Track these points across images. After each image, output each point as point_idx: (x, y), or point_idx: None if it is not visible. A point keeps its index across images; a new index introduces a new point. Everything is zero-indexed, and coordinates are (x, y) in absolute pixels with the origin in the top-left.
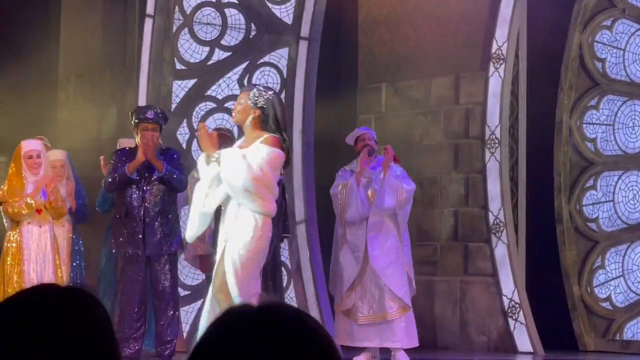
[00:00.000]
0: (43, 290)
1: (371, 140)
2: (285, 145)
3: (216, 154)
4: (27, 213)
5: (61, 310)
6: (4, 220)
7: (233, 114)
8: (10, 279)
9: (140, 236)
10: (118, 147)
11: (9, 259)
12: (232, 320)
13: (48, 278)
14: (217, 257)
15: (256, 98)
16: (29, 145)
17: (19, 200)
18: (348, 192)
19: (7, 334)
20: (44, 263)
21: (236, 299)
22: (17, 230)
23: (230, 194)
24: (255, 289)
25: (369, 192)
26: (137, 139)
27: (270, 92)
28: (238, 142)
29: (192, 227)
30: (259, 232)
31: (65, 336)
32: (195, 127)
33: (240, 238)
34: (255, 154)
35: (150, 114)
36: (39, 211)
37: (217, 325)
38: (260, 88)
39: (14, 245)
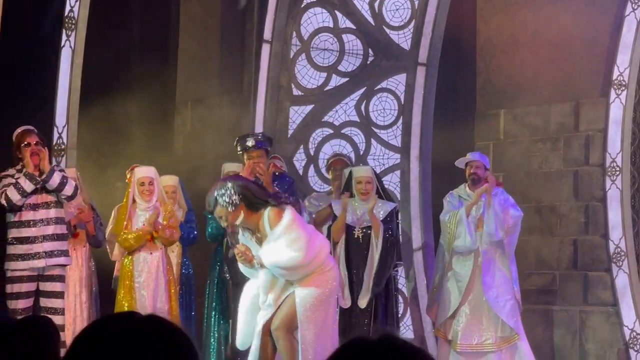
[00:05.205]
0: (122, 318)
1: (479, 168)
2: (282, 201)
3: (256, 263)
4: (132, 246)
5: (140, 339)
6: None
7: (229, 229)
8: (121, 307)
9: None
10: (223, 172)
11: (122, 286)
12: (353, 352)
13: (160, 305)
14: (279, 297)
15: (228, 201)
16: (142, 172)
17: (127, 232)
18: (458, 222)
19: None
20: (156, 290)
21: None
22: (129, 258)
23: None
24: (333, 332)
25: (477, 222)
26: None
27: (228, 184)
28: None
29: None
30: (325, 273)
31: None
32: (312, 154)
33: (308, 282)
34: (278, 246)
35: (250, 142)
36: (149, 238)
37: (339, 356)
38: (219, 191)
39: (126, 272)
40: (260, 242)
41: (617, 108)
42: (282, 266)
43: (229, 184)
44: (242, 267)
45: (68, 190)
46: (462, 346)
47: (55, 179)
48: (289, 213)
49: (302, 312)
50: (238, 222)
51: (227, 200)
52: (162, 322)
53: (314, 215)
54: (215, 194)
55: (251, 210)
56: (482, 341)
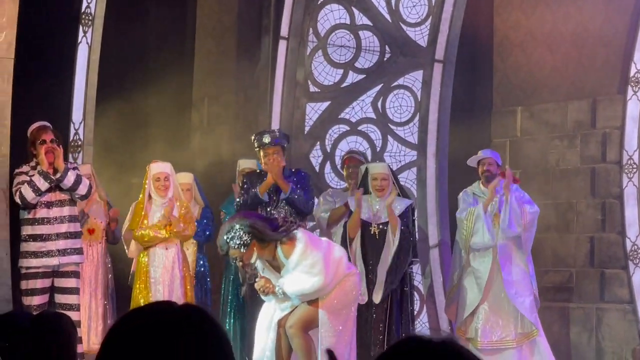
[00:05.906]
0: (159, 308)
1: (491, 165)
2: (292, 228)
3: (278, 292)
4: (151, 240)
5: (175, 327)
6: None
7: (246, 270)
8: (137, 302)
9: None
10: (238, 168)
11: (138, 282)
12: (411, 350)
13: (176, 301)
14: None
15: (239, 242)
16: (157, 167)
17: (144, 228)
18: (475, 219)
19: (122, 347)
20: (171, 286)
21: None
22: (145, 254)
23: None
24: (352, 335)
25: (494, 218)
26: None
27: (235, 225)
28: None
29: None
30: (349, 278)
31: (179, 351)
32: (328, 150)
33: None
34: (298, 275)
35: (266, 139)
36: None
37: (395, 354)
38: (227, 235)
39: (142, 268)
40: (277, 269)
41: (634, 105)
42: (307, 293)
43: (236, 225)
44: (265, 297)
45: (82, 189)
46: (483, 343)
47: (70, 178)
48: (300, 239)
49: (324, 314)
50: (254, 259)
51: (238, 242)
52: (198, 311)
53: (326, 215)
54: (225, 237)
55: (263, 244)
56: (502, 337)
